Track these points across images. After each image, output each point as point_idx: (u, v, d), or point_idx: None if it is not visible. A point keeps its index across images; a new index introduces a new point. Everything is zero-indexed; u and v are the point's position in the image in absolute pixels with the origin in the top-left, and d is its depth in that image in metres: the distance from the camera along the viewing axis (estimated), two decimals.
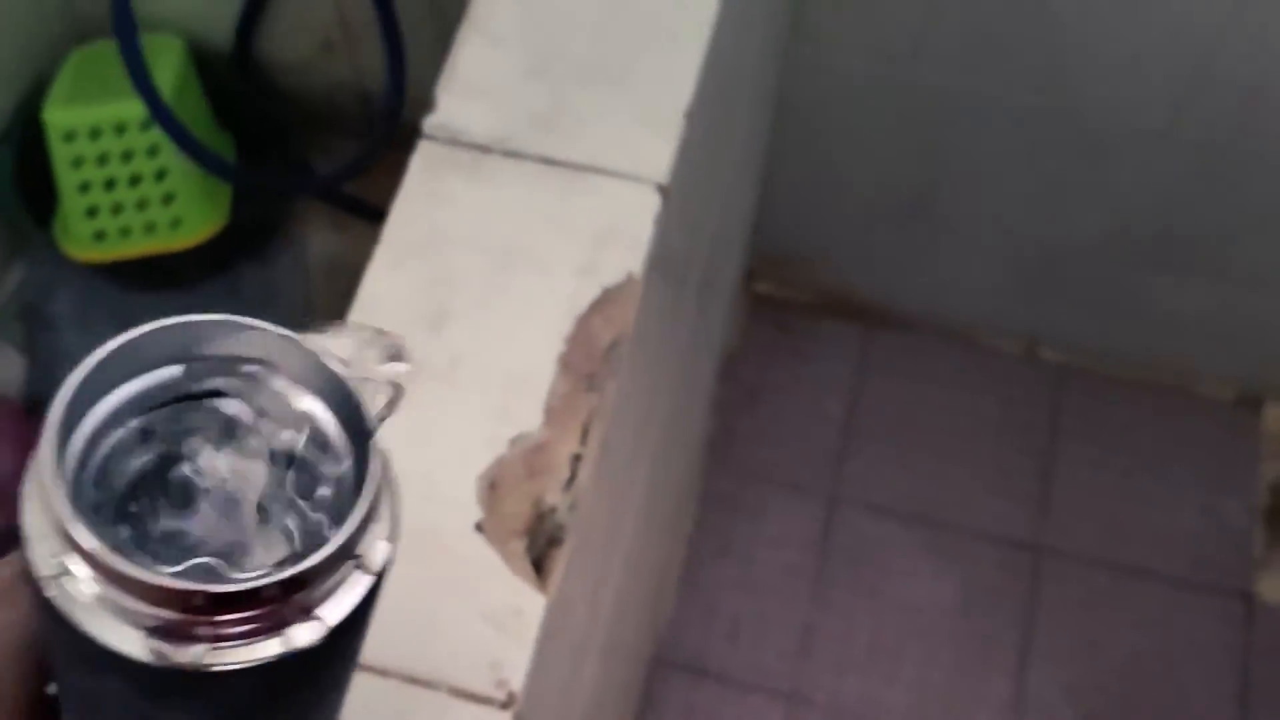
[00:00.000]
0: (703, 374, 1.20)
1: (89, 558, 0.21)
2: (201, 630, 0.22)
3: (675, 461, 1.11)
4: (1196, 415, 1.38)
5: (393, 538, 0.24)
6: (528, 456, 0.50)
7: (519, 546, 0.49)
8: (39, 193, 1.23)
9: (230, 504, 0.24)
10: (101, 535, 0.21)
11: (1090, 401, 1.39)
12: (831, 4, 1.06)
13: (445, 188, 0.56)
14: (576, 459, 0.50)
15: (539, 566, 0.50)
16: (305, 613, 0.23)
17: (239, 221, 1.25)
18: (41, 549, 0.22)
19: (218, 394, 0.25)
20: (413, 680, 0.48)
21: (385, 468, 0.24)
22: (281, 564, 0.23)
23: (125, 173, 1.18)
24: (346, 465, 0.25)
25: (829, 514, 1.35)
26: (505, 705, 0.47)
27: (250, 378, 0.25)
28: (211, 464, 0.24)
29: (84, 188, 1.19)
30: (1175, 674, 1.27)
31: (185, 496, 0.24)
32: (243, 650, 0.23)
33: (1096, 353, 1.40)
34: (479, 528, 0.49)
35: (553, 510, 0.49)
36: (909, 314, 1.42)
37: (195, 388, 0.25)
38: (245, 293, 1.30)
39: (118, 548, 0.21)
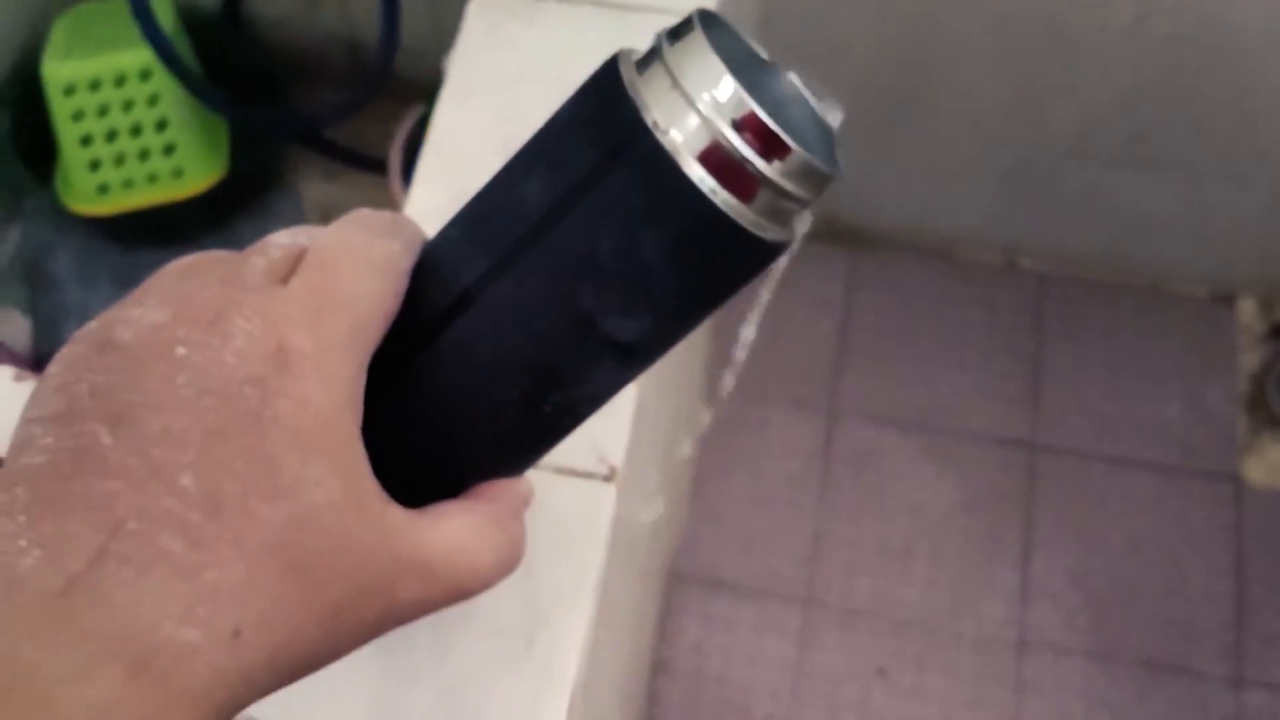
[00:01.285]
0: None
1: (731, 103, 0.27)
2: (762, 193, 0.27)
3: (676, 379, 1.15)
4: (1174, 313, 1.44)
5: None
6: None
7: None
8: (37, 154, 1.25)
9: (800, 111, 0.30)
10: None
11: (1071, 306, 1.44)
12: None
13: (504, 32, 0.59)
14: None
15: None
16: (789, 223, 0.30)
17: (236, 172, 1.27)
18: (661, 108, 0.27)
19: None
20: None
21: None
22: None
23: (126, 123, 1.20)
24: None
25: (830, 426, 1.39)
26: (608, 478, 0.51)
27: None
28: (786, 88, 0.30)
29: (86, 140, 1.20)
30: (1172, 555, 1.32)
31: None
32: (768, 228, 0.28)
33: (1074, 259, 1.45)
34: None
35: None
36: (891, 233, 1.47)
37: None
38: (244, 244, 1.32)
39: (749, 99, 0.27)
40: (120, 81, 1.19)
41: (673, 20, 0.51)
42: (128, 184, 1.23)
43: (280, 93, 1.36)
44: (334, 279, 0.29)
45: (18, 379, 0.54)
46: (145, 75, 1.18)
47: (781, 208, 0.28)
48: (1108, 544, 1.33)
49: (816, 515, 1.34)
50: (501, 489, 0.32)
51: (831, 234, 1.48)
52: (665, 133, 0.27)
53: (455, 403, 0.31)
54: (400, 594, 0.29)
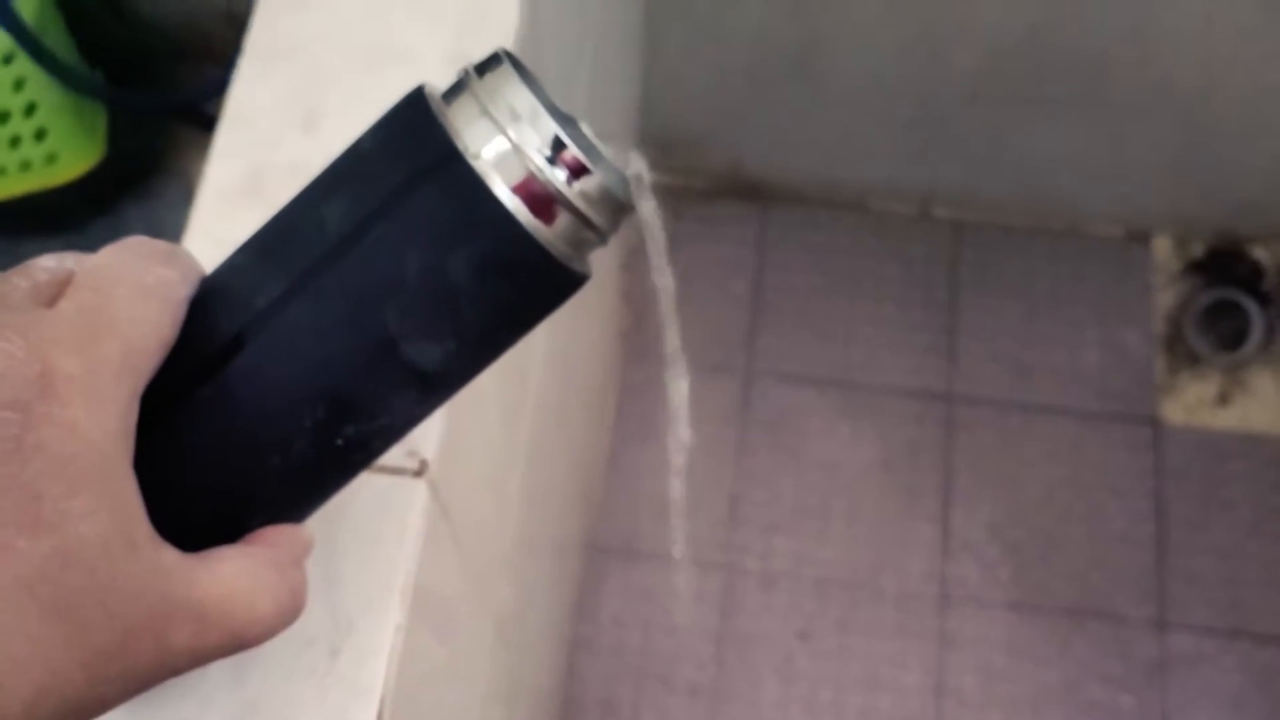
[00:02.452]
0: (604, 268, 1.21)
1: (540, 132, 0.28)
2: (565, 217, 0.28)
3: (584, 352, 1.12)
4: (1089, 255, 1.42)
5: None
6: None
7: None
8: None
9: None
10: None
11: (986, 253, 1.42)
12: None
13: None
14: None
15: None
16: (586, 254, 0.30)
17: (117, 155, 1.23)
18: (470, 133, 0.28)
19: None
20: None
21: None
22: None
23: None
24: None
25: (745, 388, 1.36)
26: (418, 473, 0.48)
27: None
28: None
29: None
30: (1092, 500, 1.31)
31: None
32: (570, 256, 0.29)
33: (987, 205, 1.43)
34: None
35: None
36: (801, 187, 1.44)
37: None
38: (132, 229, 1.28)
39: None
40: None
41: None
42: (0, 172, 1.18)
43: (162, 71, 1.32)
44: (106, 301, 0.27)
45: None
46: (8, 60, 1.12)
47: (581, 237, 0.29)
48: (1027, 493, 1.32)
49: (734, 479, 1.32)
50: (282, 534, 0.31)
51: (741, 191, 1.45)
52: (475, 156, 0.28)
53: (240, 437, 0.29)
54: (173, 639, 0.27)
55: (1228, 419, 1.35)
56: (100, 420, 0.25)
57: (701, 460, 1.33)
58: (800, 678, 1.25)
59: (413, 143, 0.28)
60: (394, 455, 0.48)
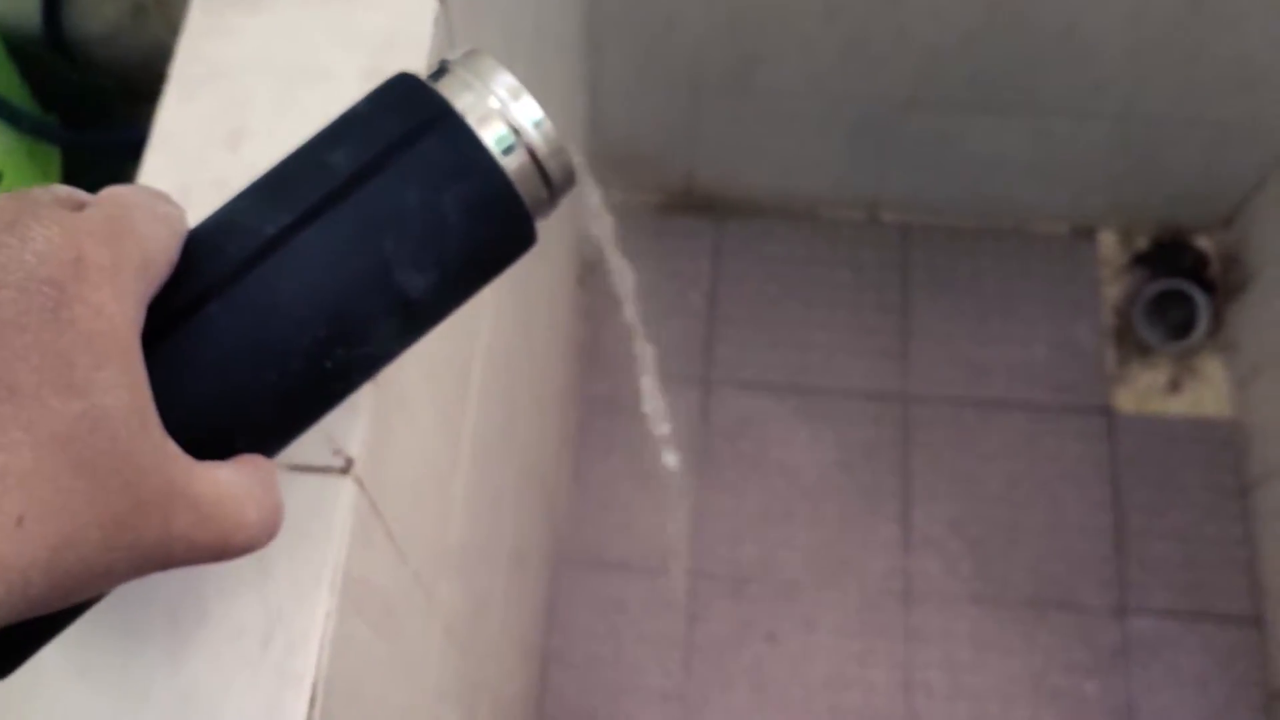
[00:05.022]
0: (558, 283, 1.23)
1: (520, 101, 0.35)
2: (532, 175, 0.35)
3: (540, 367, 1.14)
4: (1036, 252, 1.45)
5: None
6: None
7: None
8: None
9: None
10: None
11: (935, 255, 1.45)
12: None
13: (226, 23, 0.58)
14: None
15: None
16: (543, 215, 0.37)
17: None
18: (460, 99, 0.34)
19: None
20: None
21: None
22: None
23: None
24: None
25: (704, 397, 1.38)
26: (344, 470, 0.50)
27: None
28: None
29: None
30: (1049, 492, 1.33)
31: None
32: (534, 210, 0.36)
33: (934, 208, 1.46)
34: None
35: None
36: (752, 199, 1.47)
37: None
38: None
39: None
40: None
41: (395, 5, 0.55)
42: None
43: (115, 111, 1.33)
44: (126, 214, 0.30)
45: None
46: None
47: (539, 195, 0.36)
48: (985, 488, 1.34)
49: (697, 487, 1.34)
50: (262, 461, 0.34)
51: (695, 205, 1.47)
52: (464, 113, 0.34)
53: (243, 352, 0.32)
54: (174, 524, 0.29)
55: (1179, 405, 1.38)
56: (123, 307, 0.28)
57: (665, 468, 1.35)
58: (769, 680, 1.26)
59: (410, 105, 0.34)
60: (320, 454, 0.50)
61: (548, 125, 0.35)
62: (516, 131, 0.35)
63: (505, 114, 0.35)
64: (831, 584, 1.30)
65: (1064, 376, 1.39)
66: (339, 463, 0.50)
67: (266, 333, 0.32)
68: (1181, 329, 1.40)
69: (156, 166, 0.55)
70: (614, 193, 1.48)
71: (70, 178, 1.25)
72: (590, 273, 1.44)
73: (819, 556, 1.31)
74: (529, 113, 0.35)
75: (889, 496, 1.33)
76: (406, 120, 0.34)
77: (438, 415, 0.65)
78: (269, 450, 0.35)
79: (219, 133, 0.55)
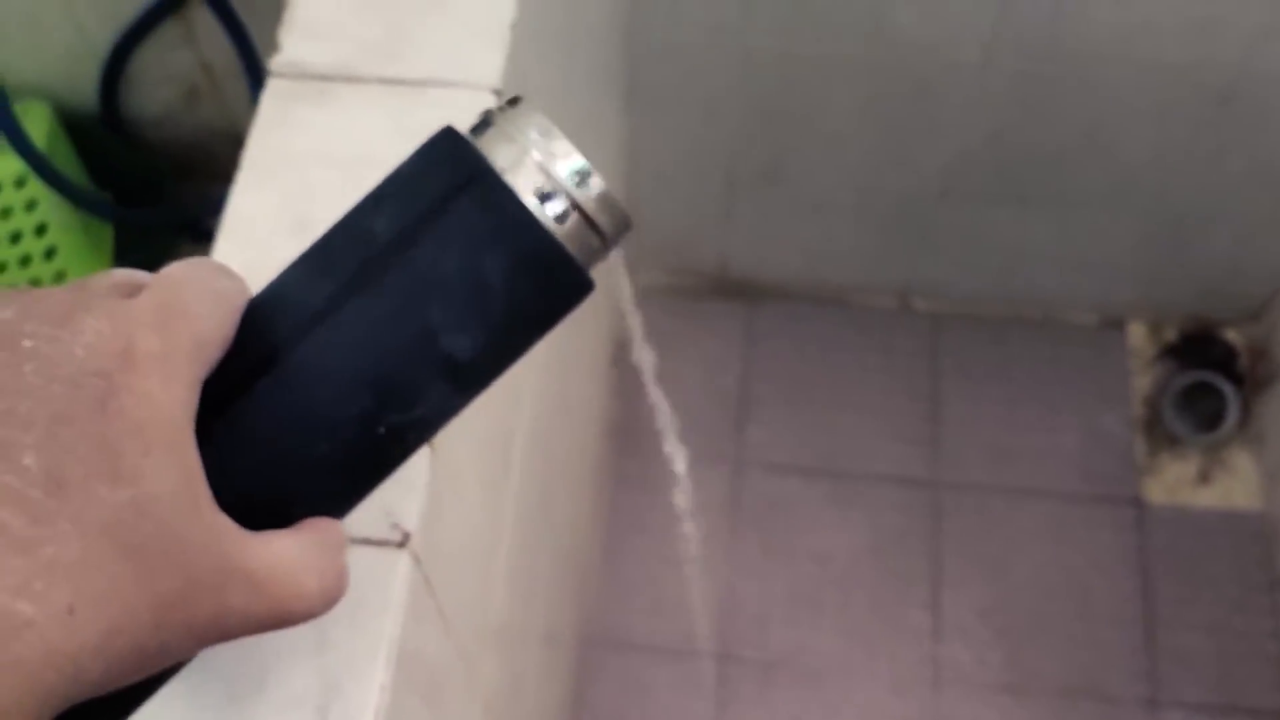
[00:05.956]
0: (593, 361, 1.25)
1: (562, 154, 0.34)
2: (579, 225, 0.34)
3: (576, 444, 1.15)
4: (1065, 342, 1.46)
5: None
6: None
7: None
8: None
9: None
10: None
11: (965, 343, 1.47)
12: None
13: (295, 117, 0.60)
14: None
15: None
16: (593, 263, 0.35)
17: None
18: (497, 154, 0.33)
19: None
20: None
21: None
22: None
23: (5, 230, 1.21)
24: None
25: (735, 479, 1.39)
26: (401, 544, 0.51)
27: None
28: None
29: None
30: (1080, 582, 1.33)
31: None
32: (582, 261, 0.34)
33: (965, 297, 1.48)
34: None
35: None
36: (785, 285, 1.49)
37: None
38: None
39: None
40: None
41: (460, 93, 0.59)
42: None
43: (166, 189, 1.37)
44: (179, 297, 0.31)
45: None
46: (20, 183, 1.18)
47: (588, 241, 0.34)
48: (1015, 576, 1.34)
49: (726, 570, 1.35)
50: (326, 523, 0.34)
51: (726, 290, 1.50)
52: (503, 171, 0.33)
53: (294, 424, 0.33)
54: (230, 599, 0.29)
55: (1209, 497, 1.38)
56: (173, 393, 0.29)
57: (695, 550, 1.35)
58: None
59: (448, 164, 0.33)
60: (377, 527, 0.52)
61: (592, 174, 0.34)
62: (558, 182, 0.33)
63: (546, 166, 0.34)
64: (861, 671, 1.30)
65: (1093, 466, 1.39)
66: (396, 536, 0.51)
67: (316, 405, 0.33)
68: (1211, 421, 1.41)
69: (227, 250, 0.57)
70: (647, 275, 1.51)
71: (122, 251, 1.28)
72: (624, 351, 1.46)
73: (848, 643, 1.31)
74: (570, 162, 0.34)
75: (919, 583, 1.33)
76: (445, 180, 0.33)
77: (483, 490, 0.67)
78: (334, 514, 0.35)
79: (285, 220, 0.58)
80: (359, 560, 0.51)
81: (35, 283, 1.24)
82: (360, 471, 0.35)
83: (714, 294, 1.50)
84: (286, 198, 0.58)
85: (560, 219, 0.34)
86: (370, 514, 0.52)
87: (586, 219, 0.34)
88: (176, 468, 0.28)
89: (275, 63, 0.62)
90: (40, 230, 1.22)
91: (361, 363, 0.33)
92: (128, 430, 0.28)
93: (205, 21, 1.22)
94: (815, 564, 1.35)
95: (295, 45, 0.62)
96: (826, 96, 1.23)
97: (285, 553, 0.31)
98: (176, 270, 0.32)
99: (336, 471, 0.34)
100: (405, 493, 0.52)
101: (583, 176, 0.34)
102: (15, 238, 1.21)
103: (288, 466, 0.33)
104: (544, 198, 0.33)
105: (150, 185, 1.37)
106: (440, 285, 0.32)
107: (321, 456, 0.33)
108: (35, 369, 0.27)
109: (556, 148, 0.34)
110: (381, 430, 0.33)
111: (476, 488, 0.64)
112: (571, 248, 0.34)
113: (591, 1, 0.98)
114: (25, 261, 1.23)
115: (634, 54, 1.20)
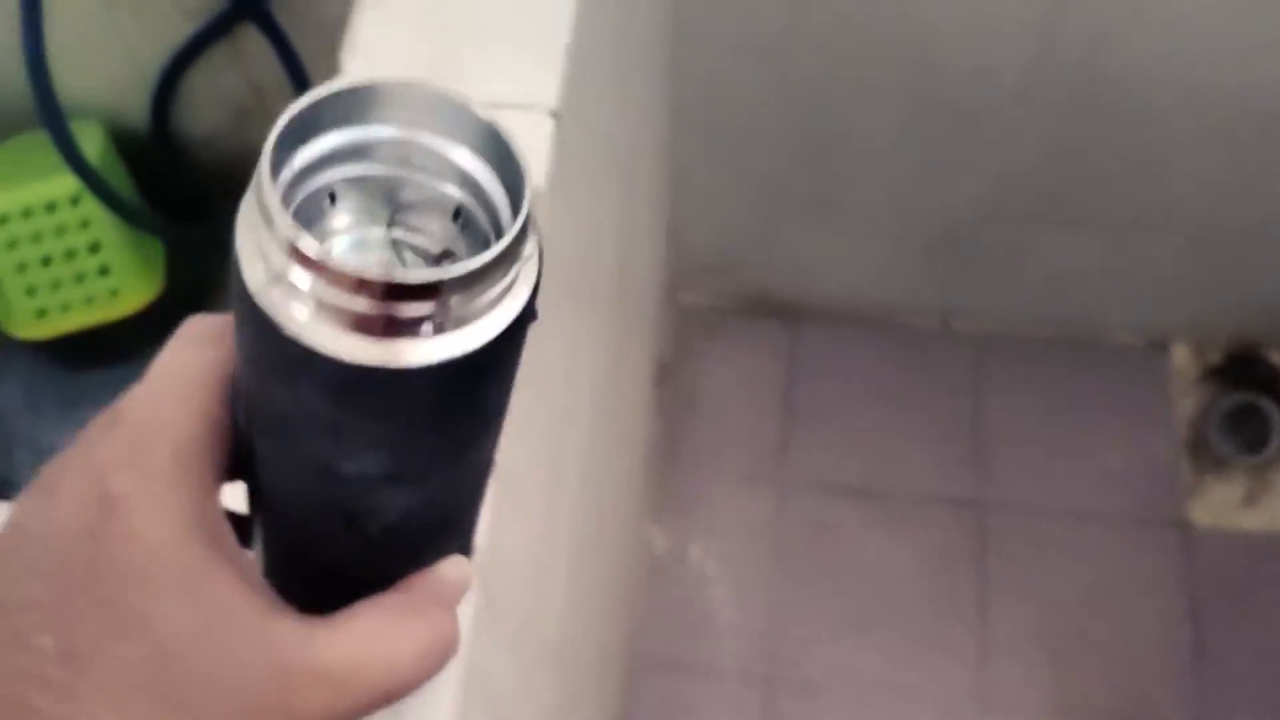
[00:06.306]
0: (636, 383, 1.26)
1: (304, 259, 0.24)
2: (385, 327, 0.24)
3: (622, 465, 1.16)
4: (1110, 364, 1.46)
5: (538, 279, 0.27)
6: None
7: None
8: None
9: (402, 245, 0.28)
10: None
11: (1009, 364, 1.46)
12: (703, 6, 1.13)
13: None
14: None
15: None
16: (467, 322, 0.25)
17: (175, 287, 1.29)
18: (253, 268, 0.24)
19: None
20: None
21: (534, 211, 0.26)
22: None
23: (60, 248, 1.22)
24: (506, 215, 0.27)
25: (780, 499, 1.39)
26: None
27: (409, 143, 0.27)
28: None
29: (21, 268, 1.22)
30: (1127, 603, 1.33)
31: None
32: (420, 351, 0.24)
33: (1008, 318, 1.47)
34: None
35: None
36: (828, 306, 1.49)
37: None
38: None
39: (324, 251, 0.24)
40: (51, 208, 1.21)
41: (519, 114, 0.55)
42: (65, 307, 1.25)
43: (214, 207, 1.39)
44: (149, 409, 0.29)
45: None
46: (75, 201, 1.20)
47: (398, 316, 0.24)
48: (1062, 598, 1.33)
49: (772, 589, 1.35)
50: (420, 579, 0.31)
51: (771, 310, 1.50)
52: (257, 294, 0.25)
53: (298, 523, 0.30)
54: (300, 708, 0.27)
55: (1256, 520, 1.37)
56: (163, 526, 0.27)
57: (740, 569, 1.35)
58: None
59: (232, 279, 0.26)
60: None
61: (313, 252, 0.23)
62: (294, 284, 0.24)
63: (280, 272, 0.24)
64: (908, 692, 1.29)
65: (1139, 488, 1.39)
66: None
67: (300, 520, 0.30)
68: (1256, 443, 1.40)
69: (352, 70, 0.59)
70: (691, 296, 1.51)
71: (173, 268, 1.30)
72: (666, 374, 1.46)
73: (896, 662, 1.30)
74: (302, 247, 0.23)
75: (966, 604, 1.33)
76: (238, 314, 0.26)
77: (542, 509, 0.67)
78: (409, 572, 0.31)
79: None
80: None
81: (90, 300, 1.25)
82: (393, 556, 0.31)
83: (757, 315, 1.51)
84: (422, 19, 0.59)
85: (312, 315, 0.24)
86: None
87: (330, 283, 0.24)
88: (191, 601, 0.27)
89: None
90: (94, 248, 1.23)
91: (299, 493, 0.29)
92: (125, 582, 0.26)
93: (255, 44, 1.23)
94: (860, 583, 1.35)
95: (356, 71, 0.63)
96: (869, 121, 1.23)
97: (367, 632, 0.29)
98: (156, 366, 0.30)
99: (365, 559, 0.31)
100: None
101: (319, 263, 0.23)
102: (70, 255, 1.23)
103: (321, 552, 0.31)
104: (293, 307, 0.24)
105: (200, 202, 1.38)
106: (290, 423, 0.27)
107: (346, 547, 0.30)
108: (37, 550, 0.27)
109: (276, 231, 0.24)
110: (374, 531, 0.29)
111: (536, 507, 0.65)
112: (360, 353, 0.24)
113: (639, 28, 0.99)
114: (80, 279, 1.25)
115: (679, 79, 1.20)
